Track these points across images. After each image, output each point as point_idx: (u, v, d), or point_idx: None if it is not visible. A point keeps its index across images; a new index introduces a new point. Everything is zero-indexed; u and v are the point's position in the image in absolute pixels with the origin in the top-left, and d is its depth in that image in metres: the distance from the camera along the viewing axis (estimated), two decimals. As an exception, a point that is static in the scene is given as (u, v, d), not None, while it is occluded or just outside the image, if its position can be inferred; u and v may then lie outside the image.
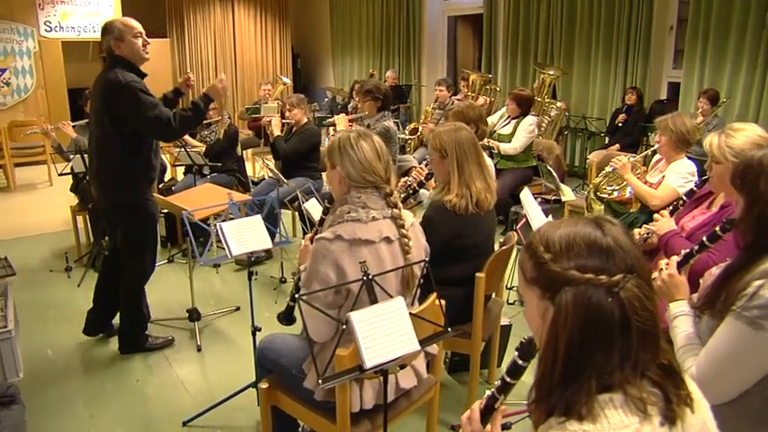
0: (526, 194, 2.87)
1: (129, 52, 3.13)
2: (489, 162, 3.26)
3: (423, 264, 1.95)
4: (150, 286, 3.63)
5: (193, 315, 3.74)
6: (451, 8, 9.74)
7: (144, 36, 3.20)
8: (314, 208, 3.23)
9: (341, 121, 4.44)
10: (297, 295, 1.57)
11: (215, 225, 2.57)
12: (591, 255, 0.96)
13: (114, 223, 3.42)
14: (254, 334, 2.83)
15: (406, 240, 1.95)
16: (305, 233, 4.09)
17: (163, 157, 6.18)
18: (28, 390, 2.95)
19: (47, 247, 5.38)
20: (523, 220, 2.81)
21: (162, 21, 10.62)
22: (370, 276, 1.71)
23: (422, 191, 3.14)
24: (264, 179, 5.45)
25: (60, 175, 4.77)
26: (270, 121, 5.09)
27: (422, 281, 2.02)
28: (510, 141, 5.40)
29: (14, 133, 7.65)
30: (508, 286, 3.88)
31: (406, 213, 2.03)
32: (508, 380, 1.15)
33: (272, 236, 2.98)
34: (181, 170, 5.97)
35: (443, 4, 9.79)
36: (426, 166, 3.44)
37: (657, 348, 0.98)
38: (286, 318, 2.37)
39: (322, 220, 2.13)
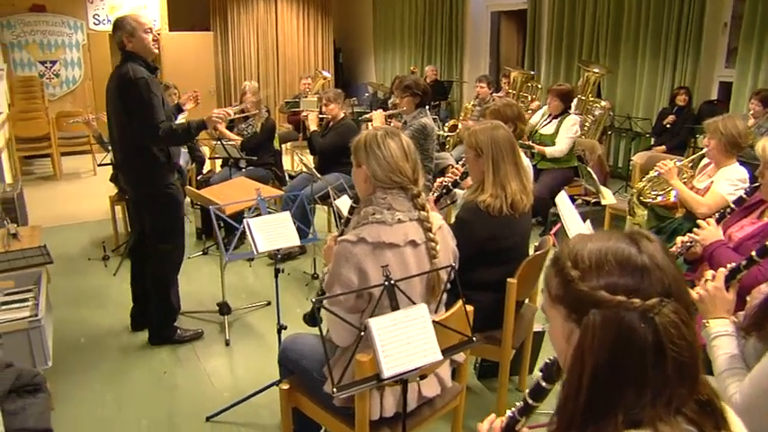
0: (563, 198, 2.75)
1: (141, 48, 3.25)
2: (527, 162, 3.15)
3: (450, 269, 1.88)
4: (183, 277, 3.65)
5: (224, 309, 3.74)
6: (495, 3, 9.56)
7: (153, 31, 3.34)
8: (345, 205, 3.18)
9: (377, 116, 4.37)
10: (314, 300, 1.51)
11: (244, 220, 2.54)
12: (623, 273, 0.86)
13: (140, 212, 3.52)
14: (279, 332, 2.80)
15: (432, 244, 1.87)
16: (338, 227, 4.09)
17: (202, 148, 6.26)
18: (56, 376, 3.00)
19: (87, 235, 5.48)
20: (558, 225, 2.69)
21: (205, 14, 10.72)
22: (393, 281, 1.64)
23: (456, 190, 3.05)
24: (301, 173, 5.43)
25: (100, 165, 4.85)
26: (308, 116, 5.06)
27: (449, 286, 1.94)
28: (553, 142, 5.25)
29: (62, 123, 7.83)
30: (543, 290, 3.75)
31: (434, 216, 1.95)
32: (530, 402, 1.07)
33: (304, 233, 2.96)
34: (219, 162, 6.01)
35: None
36: (463, 165, 3.36)
37: (696, 382, 0.87)
38: (311, 319, 2.33)
39: (347, 221, 2.07)
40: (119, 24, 3.23)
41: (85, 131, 7.77)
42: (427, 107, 4.23)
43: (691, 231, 2.42)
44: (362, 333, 1.55)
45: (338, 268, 1.79)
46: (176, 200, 3.41)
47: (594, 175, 3.88)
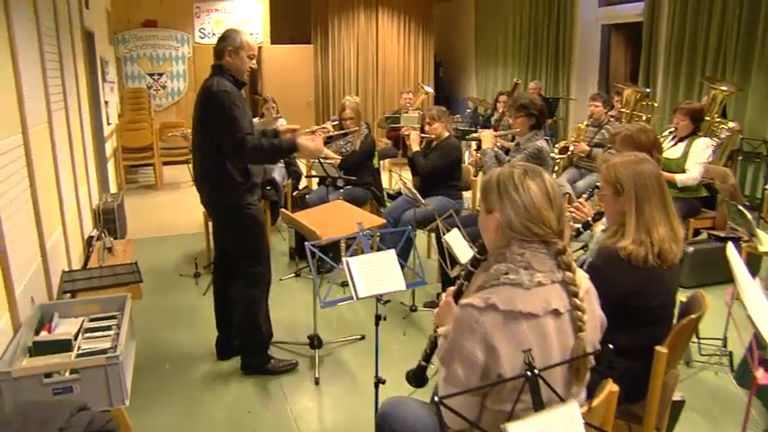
0: (732, 252, 2.26)
1: (236, 67, 3.12)
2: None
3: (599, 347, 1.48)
4: (272, 301, 3.42)
5: (314, 342, 3.47)
6: (607, 16, 8.95)
7: (254, 59, 3.21)
8: (456, 242, 2.82)
9: (487, 137, 4.00)
10: (437, 398, 1.17)
11: (343, 259, 2.24)
12: None
13: (221, 231, 3.41)
14: (376, 386, 2.47)
15: (579, 314, 1.48)
16: (442, 268, 3.69)
17: (299, 163, 6.11)
18: (134, 405, 2.81)
19: (181, 249, 5.43)
20: (731, 289, 2.21)
21: (307, 27, 10.75)
22: (537, 371, 1.27)
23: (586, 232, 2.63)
24: (401, 194, 5.13)
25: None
26: (409, 134, 4.76)
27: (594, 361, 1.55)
28: (680, 168, 4.67)
29: (164, 134, 7.97)
30: (685, 359, 3.26)
31: (581, 275, 1.56)
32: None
33: (406, 251, 2.63)
34: (316, 180, 5.82)
35: (598, 12, 9.02)
36: (587, 199, 2.94)
37: None
38: (416, 379, 1.99)
39: (469, 274, 1.71)
40: (229, 36, 3.13)
41: (183, 143, 7.90)
42: (546, 134, 3.81)
43: None
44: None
45: (460, 338, 1.44)
46: (255, 221, 3.20)
47: (748, 214, 3.32)
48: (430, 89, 7.22)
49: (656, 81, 7.89)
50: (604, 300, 1.71)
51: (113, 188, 7.09)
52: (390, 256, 2.24)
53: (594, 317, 1.58)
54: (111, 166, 7.12)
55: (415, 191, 4.03)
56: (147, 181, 8.50)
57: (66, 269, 3.87)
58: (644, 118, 7.01)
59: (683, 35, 7.31)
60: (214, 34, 9.65)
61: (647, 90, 7.56)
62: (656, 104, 7.14)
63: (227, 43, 3.09)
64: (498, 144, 4.96)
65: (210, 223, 4.99)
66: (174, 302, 4.27)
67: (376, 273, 2.19)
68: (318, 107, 10.97)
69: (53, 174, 3.79)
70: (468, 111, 10.26)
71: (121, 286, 3.69)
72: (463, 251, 2.82)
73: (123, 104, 8.93)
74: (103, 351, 2.41)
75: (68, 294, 3.65)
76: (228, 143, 2.96)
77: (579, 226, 2.54)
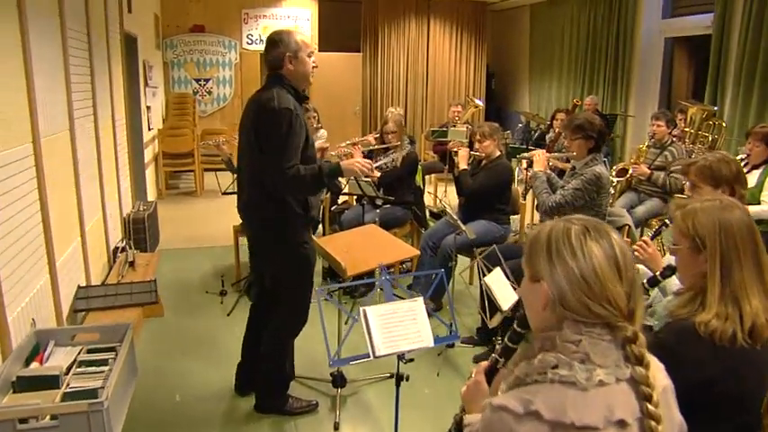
0: None
1: (300, 73, 2.70)
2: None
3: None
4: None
5: (338, 380, 3.15)
6: (672, 28, 8.39)
7: (314, 59, 2.76)
8: (498, 284, 2.45)
9: (539, 159, 3.62)
10: None
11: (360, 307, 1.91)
12: None
13: (263, 263, 3.00)
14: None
15: (653, 424, 1.10)
16: (483, 314, 3.29)
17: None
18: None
19: (211, 262, 5.22)
20: None
21: (356, 35, 10.50)
22: None
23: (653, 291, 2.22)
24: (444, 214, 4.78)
25: (224, 194, 4.53)
26: (457, 150, 4.41)
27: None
28: (756, 199, 4.18)
29: (205, 140, 7.83)
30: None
31: (655, 368, 1.18)
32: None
33: (439, 294, 2.27)
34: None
35: (661, 24, 8.47)
36: (653, 237, 2.53)
37: None
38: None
39: (507, 349, 1.35)
40: (282, 40, 2.67)
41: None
42: (602, 152, 3.42)
43: None
44: None
45: (490, 448, 1.09)
46: (308, 263, 2.82)
47: None
48: (480, 102, 6.85)
49: (725, 99, 7.31)
50: (675, 385, 1.32)
51: (151, 195, 6.98)
52: (418, 306, 1.90)
53: (673, 425, 1.20)
54: (150, 171, 7.01)
55: (456, 217, 3.68)
56: (188, 187, 8.39)
57: (84, 284, 3.67)
58: (710, 139, 6.47)
59: (758, 48, 6.75)
60: (261, 41, 9.48)
61: (715, 108, 7.01)
62: (723, 124, 6.58)
63: (282, 48, 2.66)
64: (550, 163, 4.57)
65: (242, 240, 4.79)
66: (196, 325, 4.02)
67: (399, 326, 1.85)
68: (366, 117, 10.70)
69: (72, 184, 3.60)
70: (520, 126, 9.84)
71: (136, 306, 3.49)
72: (506, 295, 2.46)
73: (168, 109, 8.86)
74: (93, 392, 2.15)
75: (81, 313, 3.46)
76: (271, 170, 2.56)
77: (644, 282, 2.12)
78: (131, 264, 4.10)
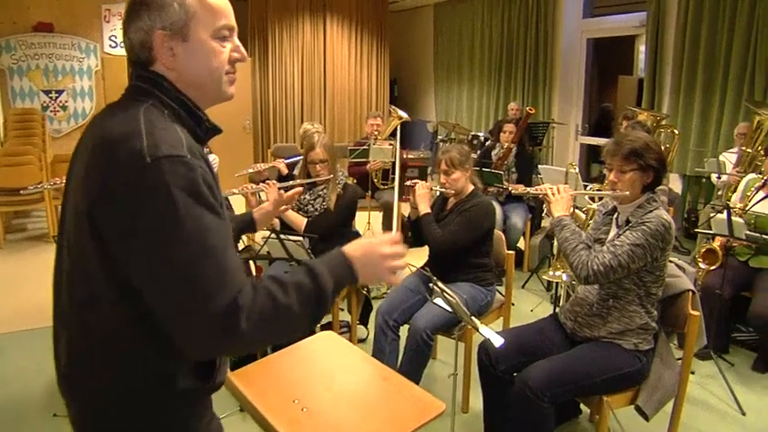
0: None
1: (196, 74, 1.31)
2: None
3: None
4: None
5: None
6: (593, 28, 7.77)
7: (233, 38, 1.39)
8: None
9: (561, 199, 2.49)
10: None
11: None
12: None
13: None
14: None
15: None
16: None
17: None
18: None
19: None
20: None
21: (242, 36, 9.04)
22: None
23: None
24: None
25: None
26: (416, 191, 3.19)
27: None
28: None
29: (57, 169, 6.10)
30: None
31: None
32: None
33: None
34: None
35: (582, 24, 7.82)
36: None
37: None
38: None
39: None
40: (152, 3, 1.11)
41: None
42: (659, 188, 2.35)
43: None
44: None
45: None
46: None
47: None
48: (405, 114, 5.73)
49: (662, 104, 6.72)
50: None
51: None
52: None
53: None
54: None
55: (440, 283, 2.45)
56: (37, 230, 6.57)
57: None
58: (662, 148, 5.75)
59: (698, 48, 6.19)
60: (127, 43, 7.87)
61: (666, 114, 6.34)
62: (676, 131, 5.88)
63: (151, 21, 1.11)
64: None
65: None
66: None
67: None
68: (257, 132, 9.27)
69: None
70: (431, 135, 8.87)
71: None
72: None
73: (6, 130, 6.98)
74: None
75: None
76: (194, 319, 1.01)
77: None
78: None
